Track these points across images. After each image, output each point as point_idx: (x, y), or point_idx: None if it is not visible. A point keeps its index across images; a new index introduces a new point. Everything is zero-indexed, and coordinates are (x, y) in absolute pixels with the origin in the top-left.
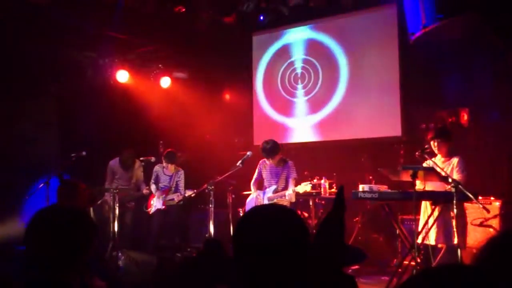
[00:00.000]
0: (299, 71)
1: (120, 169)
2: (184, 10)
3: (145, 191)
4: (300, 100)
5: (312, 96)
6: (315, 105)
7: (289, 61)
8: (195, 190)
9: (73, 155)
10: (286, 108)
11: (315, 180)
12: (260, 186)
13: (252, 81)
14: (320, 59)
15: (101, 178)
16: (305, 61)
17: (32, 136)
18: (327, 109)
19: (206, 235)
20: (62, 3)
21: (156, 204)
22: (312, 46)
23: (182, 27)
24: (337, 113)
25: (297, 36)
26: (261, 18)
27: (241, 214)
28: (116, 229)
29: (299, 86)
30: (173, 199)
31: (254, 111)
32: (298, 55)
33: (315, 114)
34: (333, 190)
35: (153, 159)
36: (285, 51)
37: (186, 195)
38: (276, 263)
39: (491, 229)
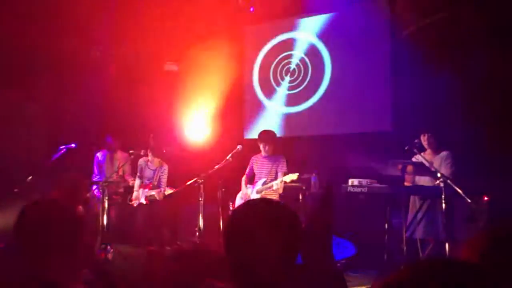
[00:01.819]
0: (292, 66)
1: (106, 161)
2: None
3: (131, 182)
4: (282, 91)
5: (295, 93)
6: (295, 99)
7: (286, 53)
8: (174, 189)
9: (62, 147)
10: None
11: (305, 175)
12: (252, 181)
13: (244, 73)
14: (312, 53)
15: (90, 171)
16: (301, 59)
17: (21, 128)
18: (316, 103)
19: (196, 229)
20: None
21: (138, 198)
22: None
23: (173, 19)
24: (328, 107)
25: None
26: (252, 9)
27: (231, 208)
28: (105, 222)
29: (286, 79)
30: (154, 195)
31: (245, 103)
32: (298, 52)
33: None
34: (323, 185)
35: (142, 152)
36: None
37: (166, 193)
38: (267, 258)
39: (479, 224)
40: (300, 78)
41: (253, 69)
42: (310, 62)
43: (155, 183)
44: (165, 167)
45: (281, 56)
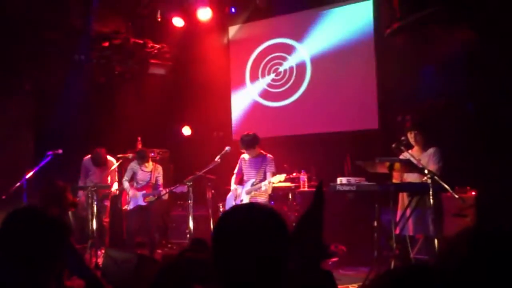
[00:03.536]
0: (281, 68)
1: (93, 166)
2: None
3: (113, 190)
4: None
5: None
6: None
7: (282, 54)
8: (168, 189)
9: (49, 153)
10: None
11: (294, 174)
12: (241, 181)
13: (230, 75)
14: (294, 52)
15: (76, 176)
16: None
17: (7, 133)
18: (302, 102)
19: (186, 231)
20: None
21: (133, 201)
22: (285, 32)
23: (157, 22)
24: (315, 107)
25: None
26: (233, 10)
27: (221, 210)
28: (94, 227)
29: (271, 76)
30: (153, 196)
31: (232, 104)
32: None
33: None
34: (312, 183)
35: (130, 155)
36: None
37: (162, 194)
38: (255, 263)
39: (467, 219)
40: (283, 81)
41: (246, 68)
42: (296, 70)
43: (153, 185)
44: (160, 168)
45: (275, 55)
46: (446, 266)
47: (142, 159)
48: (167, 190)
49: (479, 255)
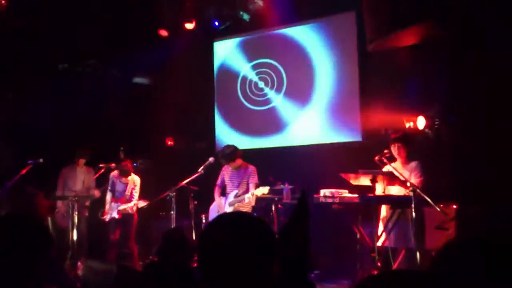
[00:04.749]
0: (256, 79)
1: (72, 175)
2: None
3: (96, 193)
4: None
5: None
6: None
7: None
8: (147, 202)
9: (30, 161)
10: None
11: (280, 186)
12: (224, 192)
13: (214, 88)
14: (287, 61)
15: (55, 184)
16: (261, 65)
17: None
18: (290, 116)
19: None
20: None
21: (110, 212)
22: (269, 48)
23: (144, 32)
24: (299, 118)
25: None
26: (216, 24)
27: (203, 221)
28: (74, 237)
29: (267, 90)
30: (126, 208)
31: (215, 116)
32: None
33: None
34: (296, 195)
35: (113, 165)
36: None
37: (139, 206)
38: (242, 272)
39: (448, 232)
40: (275, 80)
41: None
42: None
43: (128, 197)
44: (137, 180)
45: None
46: (440, 271)
47: (123, 174)
48: (136, 206)
49: (472, 258)
